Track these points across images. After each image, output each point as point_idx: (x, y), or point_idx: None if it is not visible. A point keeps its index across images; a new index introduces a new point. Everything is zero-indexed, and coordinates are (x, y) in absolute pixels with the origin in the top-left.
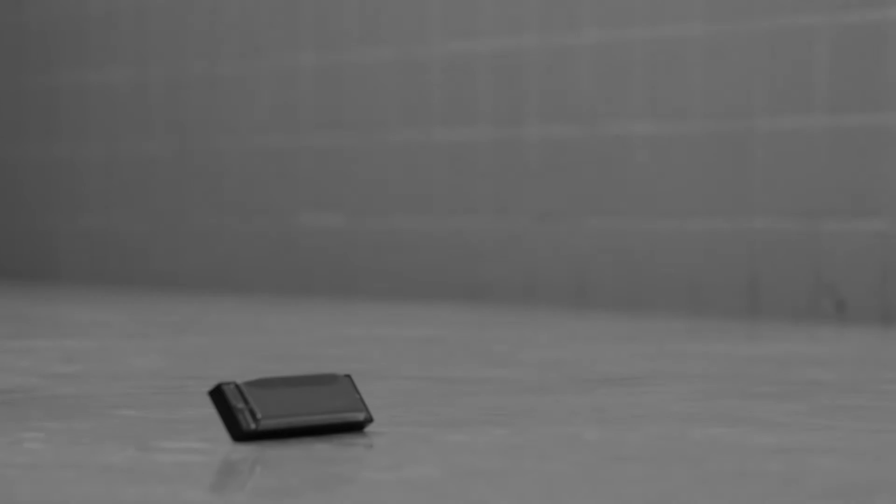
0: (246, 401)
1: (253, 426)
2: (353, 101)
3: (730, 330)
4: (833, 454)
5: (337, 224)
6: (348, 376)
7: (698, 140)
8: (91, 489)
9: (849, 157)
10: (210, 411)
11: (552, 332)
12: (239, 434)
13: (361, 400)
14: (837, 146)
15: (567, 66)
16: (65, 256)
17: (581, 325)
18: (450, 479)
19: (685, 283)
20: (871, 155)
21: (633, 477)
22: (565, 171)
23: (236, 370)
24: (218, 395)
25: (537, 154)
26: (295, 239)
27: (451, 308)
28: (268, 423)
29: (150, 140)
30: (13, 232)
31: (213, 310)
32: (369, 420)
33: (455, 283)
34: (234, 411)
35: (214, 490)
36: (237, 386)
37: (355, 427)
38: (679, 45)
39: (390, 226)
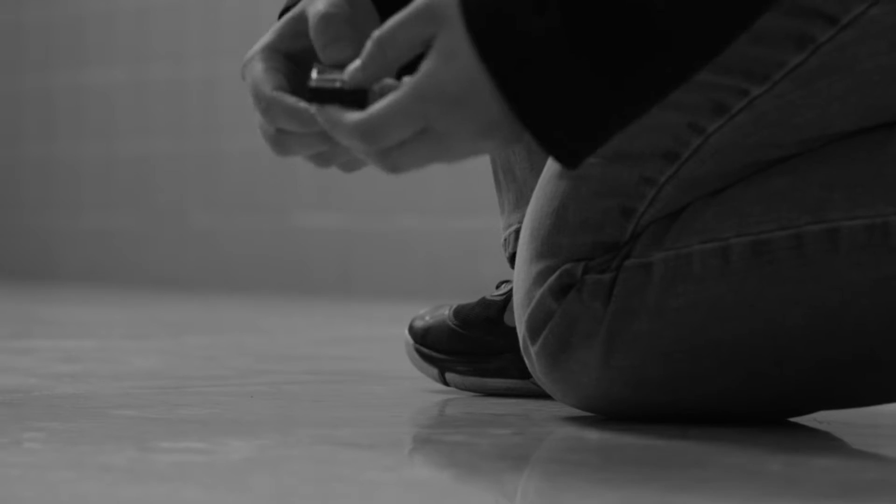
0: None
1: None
2: None
3: None
4: (833, 454)
5: (337, 224)
6: None
7: None
8: (91, 489)
9: None
10: (210, 411)
11: None
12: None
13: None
14: None
15: None
16: (64, 256)
17: None
18: (450, 480)
19: None
20: None
21: (633, 477)
22: None
23: (236, 370)
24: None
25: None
26: (294, 239)
27: None
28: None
29: (150, 140)
30: (12, 232)
31: (213, 310)
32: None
33: (455, 283)
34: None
35: (214, 490)
36: None
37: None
38: None
39: (390, 226)
